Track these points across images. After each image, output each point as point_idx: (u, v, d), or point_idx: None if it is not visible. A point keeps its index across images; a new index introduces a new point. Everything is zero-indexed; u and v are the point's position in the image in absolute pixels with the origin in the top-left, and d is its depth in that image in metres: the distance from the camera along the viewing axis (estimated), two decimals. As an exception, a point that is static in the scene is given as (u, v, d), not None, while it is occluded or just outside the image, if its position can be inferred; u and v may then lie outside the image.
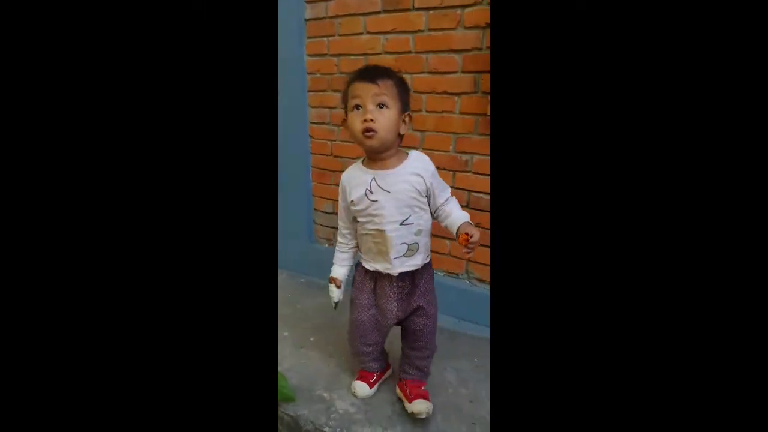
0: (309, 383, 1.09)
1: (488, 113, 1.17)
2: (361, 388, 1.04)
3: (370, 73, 0.86)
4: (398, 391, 1.04)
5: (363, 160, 0.95)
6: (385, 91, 0.85)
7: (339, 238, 1.03)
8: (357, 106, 0.86)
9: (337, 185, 1.60)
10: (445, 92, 1.26)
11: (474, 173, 1.27)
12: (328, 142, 1.56)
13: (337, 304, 1.05)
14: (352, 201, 0.93)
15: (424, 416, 0.95)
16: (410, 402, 0.98)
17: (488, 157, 1.22)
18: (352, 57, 1.41)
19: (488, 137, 1.21)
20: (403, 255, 0.92)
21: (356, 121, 0.86)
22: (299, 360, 1.19)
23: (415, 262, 0.94)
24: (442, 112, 1.27)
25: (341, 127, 1.51)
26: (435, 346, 1.03)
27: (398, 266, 0.93)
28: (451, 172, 1.30)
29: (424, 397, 0.99)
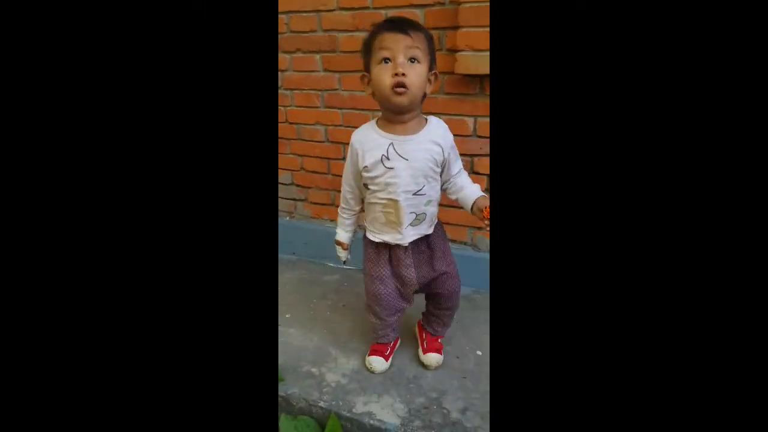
0: (294, 361, 1.06)
1: (454, 72, 1.15)
2: (378, 362, 1.02)
3: (401, 24, 0.78)
4: (416, 331, 1.11)
5: (377, 121, 0.88)
6: (417, 43, 0.77)
7: (342, 203, 0.98)
8: (386, 59, 0.78)
9: (294, 154, 1.54)
10: (407, 50, 1.21)
11: (441, 134, 1.25)
12: (282, 108, 1.46)
13: (345, 261, 1.05)
14: (366, 167, 0.86)
15: (433, 367, 1.03)
16: (424, 354, 1.04)
17: (455, 118, 1.21)
18: (304, 14, 1.31)
19: (455, 96, 1.20)
20: (410, 224, 0.89)
21: (385, 76, 0.78)
22: (279, 338, 1.15)
23: (420, 231, 0.92)
24: (405, 71, 1.23)
25: (300, 91, 1.41)
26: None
27: (407, 236, 0.90)
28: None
29: (438, 350, 1.04)
